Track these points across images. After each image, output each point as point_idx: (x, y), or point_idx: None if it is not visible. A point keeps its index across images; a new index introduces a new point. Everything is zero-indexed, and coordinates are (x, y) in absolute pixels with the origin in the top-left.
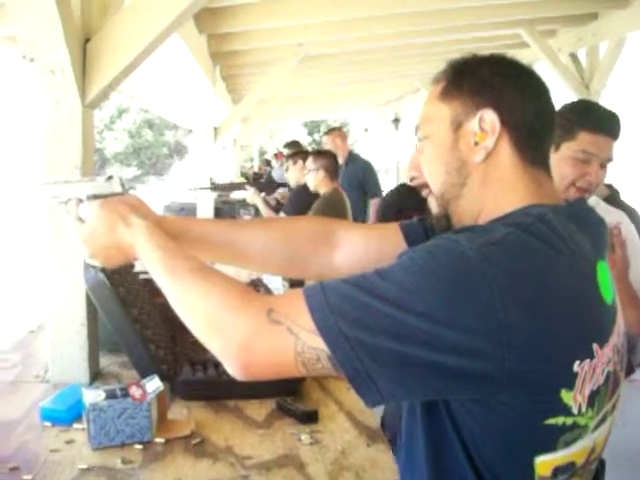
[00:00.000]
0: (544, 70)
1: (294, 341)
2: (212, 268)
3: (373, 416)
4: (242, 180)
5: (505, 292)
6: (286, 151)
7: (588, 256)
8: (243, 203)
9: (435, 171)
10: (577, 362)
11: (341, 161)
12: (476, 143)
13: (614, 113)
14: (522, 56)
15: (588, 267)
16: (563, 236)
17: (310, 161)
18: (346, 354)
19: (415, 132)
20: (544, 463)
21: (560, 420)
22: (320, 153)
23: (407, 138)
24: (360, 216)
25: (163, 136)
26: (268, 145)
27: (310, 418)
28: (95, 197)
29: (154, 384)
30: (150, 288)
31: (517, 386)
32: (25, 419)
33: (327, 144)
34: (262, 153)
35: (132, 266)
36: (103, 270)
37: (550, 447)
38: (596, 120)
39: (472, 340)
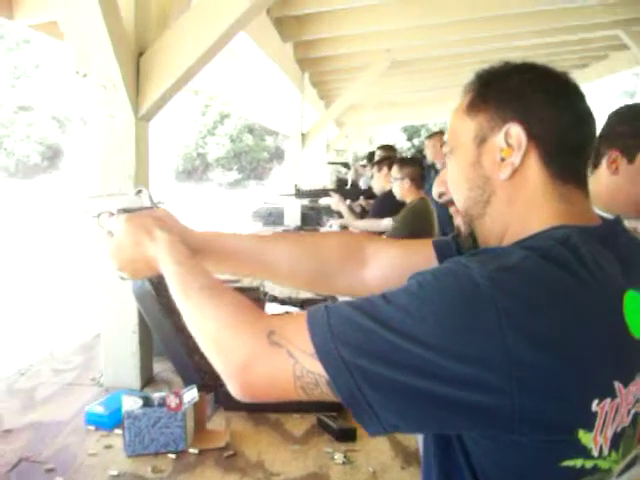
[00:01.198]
0: None
1: (293, 364)
2: (225, 286)
3: (414, 437)
4: (332, 186)
5: (515, 323)
6: (379, 152)
7: (616, 284)
8: (328, 210)
9: (458, 187)
10: (596, 401)
11: (439, 166)
12: (502, 159)
13: None
14: (622, 58)
15: (614, 297)
16: (587, 262)
17: (395, 170)
18: (345, 381)
19: (442, 147)
20: None
21: (579, 462)
22: (405, 161)
23: None
24: (448, 227)
25: (264, 141)
26: (368, 150)
27: (347, 436)
28: (125, 211)
29: (191, 394)
30: None
31: (530, 424)
32: (72, 421)
33: (428, 148)
34: (357, 159)
35: None
36: (150, 280)
37: None
38: None
39: (479, 372)
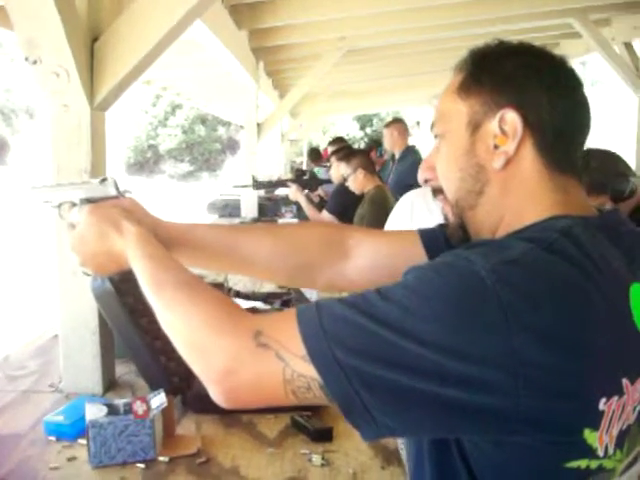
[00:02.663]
0: (597, 61)
1: (282, 368)
2: (201, 282)
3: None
4: (289, 176)
5: (521, 320)
6: (331, 148)
7: (621, 278)
8: (286, 200)
9: (449, 176)
10: (603, 400)
11: (397, 156)
12: (496, 146)
13: None
14: (574, 47)
15: (620, 291)
16: (590, 254)
17: (344, 167)
18: (340, 384)
19: (430, 129)
20: None
21: (584, 463)
22: (349, 155)
23: None
24: None
25: (216, 132)
26: (320, 140)
27: (323, 436)
28: (89, 201)
29: (159, 400)
30: None
31: (534, 425)
32: (31, 432)
33: (386, 137)
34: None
35: None
36: (110, 278)
37: None
38: None
39: (483, 372)
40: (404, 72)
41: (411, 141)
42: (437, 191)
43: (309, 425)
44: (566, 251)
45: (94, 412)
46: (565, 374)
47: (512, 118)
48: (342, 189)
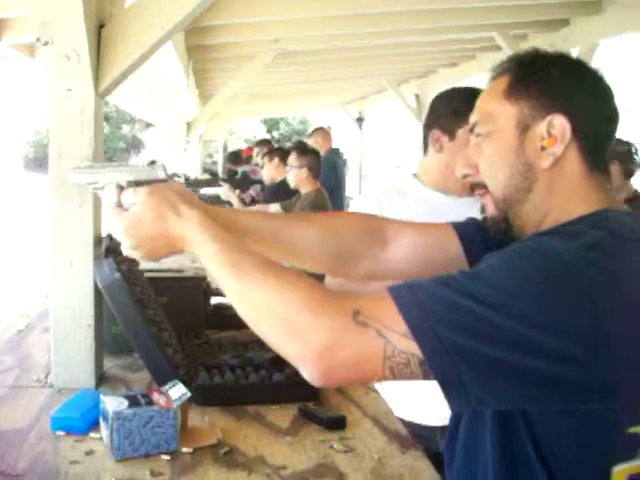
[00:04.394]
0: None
1: (383, 344)
2: (282, 264)
3: (398, 421)
4: (206, 176)
5: (606, 298)
6: (256, 149)
7: None
8: (216, 199)
9: (497, 173)
10: None
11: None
12: (542, 148)
13: None
14: (495, 59)
15: None
16: None
17: (293, 158)
18: (440, 358)
19: (471, 128)
20: (620, 472)
21: None
22: (305, 151)
23: (372, 137)
24: None
25: (120, 129)
26: (228, 142)
27: (338, 424)
28: (137, 183)
29: (178, 390)
30: (153, 287)
31: (608, 395)
32: (34, 427)
33: (313, 144)
34: (224, 149)
35: (138, 263)
36: (119, 268)
37: (630, 456)
38: None
39: (568, 346)
40: (320, 78)
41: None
42: (477, 186)
43: (321, 414)
44: (629, 237)
45: (115, 404)
46: (638, 347)
47: (561, 123)
48: (278, 188)
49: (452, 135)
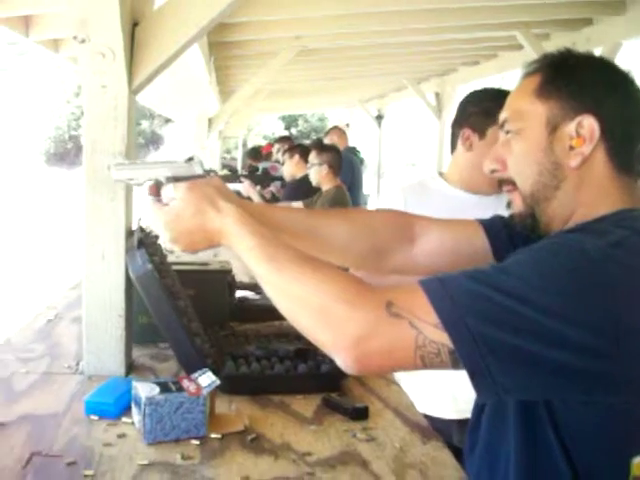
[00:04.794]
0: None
1: (415, 335)
2: (317, 258)
3: (419, 413)
4: (225, 172)
5: (628, 294)
6: (277, 145)
7: None
8: (238, 195)
9: (526, 170)
10: None
11: None
12: (571, 147)
13: None
14: (516, 58)
15: None
16: None
17: (313, 155)
18: (470, 348)
19: (501, 125)
20: (639, 464)
21: None
22: (325, 148)
23: (389, 135)
24: None
25: (139, 125)
26: (247, 138)
27: (361, 415)
28: (175, 179)
29: (208, 378)
30: (180, 280)
31: (629, 386)
32: (68, 412)
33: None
34: (244, 145)
35: (166, 256)
36: (152, 260)
37: None
38: None
39: (591, 338)
40: (339, 75)
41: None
42: (504, 181)
43: (345, 404)
44: None
45: (147, 390)
46: None
47: (590, 124)
48: (300, 184)
49: (482, 134)
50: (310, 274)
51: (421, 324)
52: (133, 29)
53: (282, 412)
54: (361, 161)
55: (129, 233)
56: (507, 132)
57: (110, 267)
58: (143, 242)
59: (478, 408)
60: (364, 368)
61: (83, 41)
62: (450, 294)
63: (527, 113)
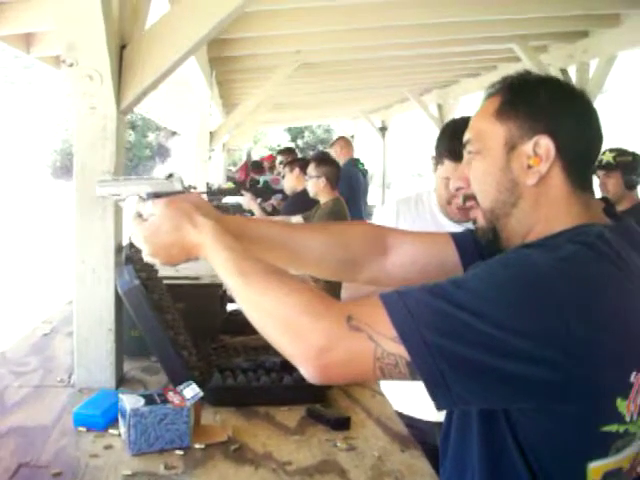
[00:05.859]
0: None
1: (374, 348)
2: (285, 271)
3: (401, 423)
4: (230, 185)
5: (574, 305)
6: (280, 157)
7: None
8: (239, 209)
9: (485, 187)
10: (634, 373)
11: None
12: (529, 166)
13: None
14: (516, 70)
15: None
16: (620, 254)
17: (312, 167)
18: (425, 360)
19: (464, 145)
20: (596, 469)
21: (614, 427)
22: (322, 160)
23: (394, 146)
24: None
25: (146, 137)
26: (252, 150)
27: (342, 425)
28: (156, 195)
29: (192, 390)
30: (172, 294)
31: (580, 395)
32: (58, 424)
33: (333, 154)
34: (248, 157)
35: (157, 271)
36: (139, 276)
37: (603, 453)
38: None
39: (542, 349)
40: (343, 87)
41: None
42: (468, 198)
43: (328, 415)
44: (603, 251)
45: (133, 402)
46: (608, 350)
47: (546, 144)
48: (299, 197)
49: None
50: (277, 287)
51: (379, 337)
52: (121, 51)
53: (267, 423)
54: (364, 173)
55: (119, 249)
56: (469, 152)
57: (100, 283)
58: (132, 258)
59: (448, 418)
60: (326, 378)
61: (71, 65)
62: (408, 308)
63: (487, 133)
